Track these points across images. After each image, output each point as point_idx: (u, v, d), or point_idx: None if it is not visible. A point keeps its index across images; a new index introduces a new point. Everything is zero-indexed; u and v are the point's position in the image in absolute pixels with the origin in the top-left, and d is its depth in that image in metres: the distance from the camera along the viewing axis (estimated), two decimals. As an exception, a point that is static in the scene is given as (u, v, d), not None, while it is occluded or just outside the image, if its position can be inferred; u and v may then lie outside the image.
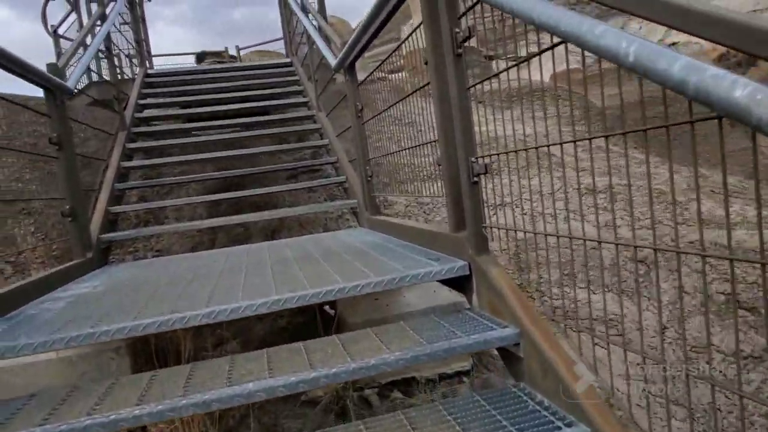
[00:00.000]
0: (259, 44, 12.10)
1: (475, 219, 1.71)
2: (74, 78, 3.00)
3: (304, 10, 4.80)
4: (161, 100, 5.49)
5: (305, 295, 1.63)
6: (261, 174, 4.50)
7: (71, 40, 7.18)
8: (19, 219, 3.85)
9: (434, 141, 2.04)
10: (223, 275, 2.18)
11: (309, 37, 4.74)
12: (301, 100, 5.34)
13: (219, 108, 5.28)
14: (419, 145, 2.30)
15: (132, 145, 4.41)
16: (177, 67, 8.12)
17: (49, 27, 7.50)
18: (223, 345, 2.53)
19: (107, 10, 4.55)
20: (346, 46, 2.82)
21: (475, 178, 1.69)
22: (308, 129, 4.88)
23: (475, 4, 1.51)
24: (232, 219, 3.61)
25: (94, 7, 6.53)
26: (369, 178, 3.20)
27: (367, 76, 2.88)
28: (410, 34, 2.02)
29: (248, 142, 5.06)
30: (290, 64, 6.20)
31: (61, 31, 7.33)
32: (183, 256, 3.15)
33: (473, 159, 1.69)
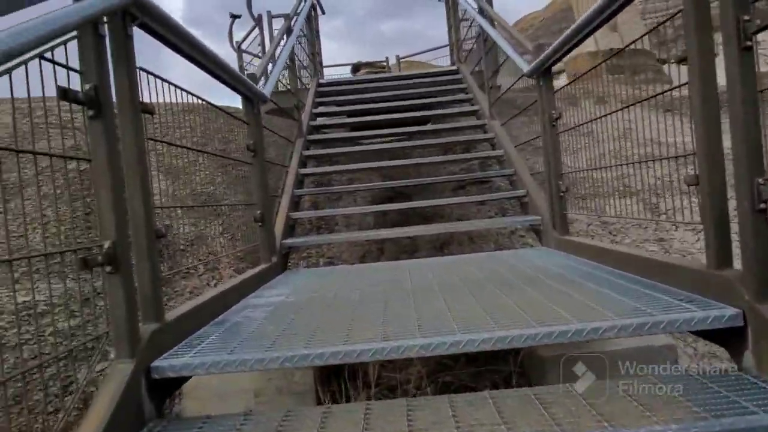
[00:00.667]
0: (418, 53, 12.22)
1: (757, 256, 1.34)
2: (269, 87, 3.10)
3: (482, 13, 4.59)
4: (332, 109, 5.65)
5: (535, 335, 1.39)
6: (428, 184, 4.38)
7: (252, 54, 7.79)
8: (210, 219, 4.14)
9: (684, 155, 1.68)
10: (417, 296, 2.02)
11: (485, 41, 4.54)
12: (469, 108, 5.14)
13: (385, 117, 5.29)
14: (653, 160, 1.95)
15: (307, 153, 4.55)
16: (342, 77, 8.41)
17: (234, 43, 8.23)
18: (407, 368, 2.38)
19: (292, 23, 4.76)
20: (550, 48, 2.55)
21: (763, 205, 1.33)
22: (478, 139, 4.67)
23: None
24: (402, 231, 3.51)
25: (274, 22, 7.01)
26: (562, 194, 2.88)
27: (583, 74, 2.56)
28: (660, 24, 1.69)
29: (414, 152, 4.99)
30: (456, 72, 6.06)
31: (243, 45, 8.01)
32: (361, 268, 3.10)
33: (761, 180, 1.32)
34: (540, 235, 3.35)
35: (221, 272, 3.55)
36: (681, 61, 1.59)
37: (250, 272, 2.63)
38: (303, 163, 4.48)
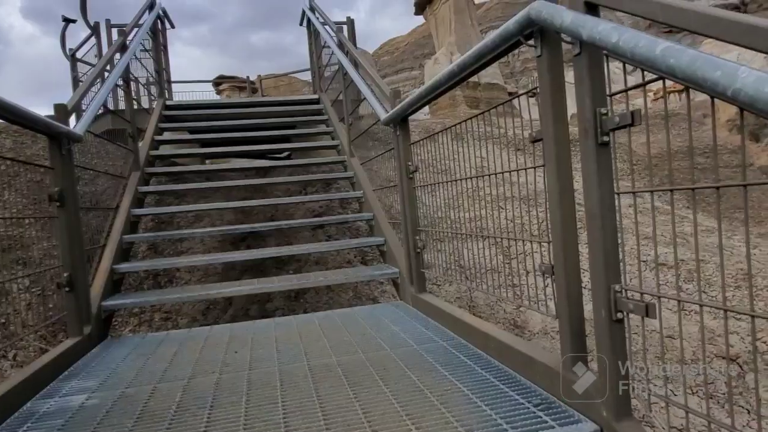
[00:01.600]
0: (284, 74, 11.86)
1: (612, 371, 1.24)
2: (83, 124, 2.58)
3: (342, 47, 4.41)
4: (180, 136, 5.11)
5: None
6: (284, 221, 4.07)
7: (89, 64, 6.88)
8: (14, 270, 3.40)
9: (540, 241, 1.58)
10: (253, 396, 1.70)
11: (345, 75, 4.35)
12: (331, 142, 4.93)
13: (242, 148, 4.89)
14: (514, 239, 1.84)
15: (145, 189, 3.99)
16: (197, 101, 7.71)
17: (67, 50, 7.22)
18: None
19: (128, 39, 4.18)
20: (406, 101, 2.40)
21: (619, 315, 1.22)
22: (339, 177, 4.46)
23: (657, 79, 1.05)
24: (252, 288, 3.11)
25: (114, 33, 6.24)
26: (418, 251, 2.73)
27: (439, 132, 2.44)
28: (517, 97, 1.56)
29: (271, 187, 4.65)
30: (318, 101, 5.82)
31: (79, 54, 7.03)
32: (199, 335, 2.66)
33: (617, 288, 1.22)
34: (398, 287, 3.19)
35: (21, 332, 2.88)
36: (535, 140, 1.48)
37: (45, 357, 2.09)
38: (139, 201, 3.92)
